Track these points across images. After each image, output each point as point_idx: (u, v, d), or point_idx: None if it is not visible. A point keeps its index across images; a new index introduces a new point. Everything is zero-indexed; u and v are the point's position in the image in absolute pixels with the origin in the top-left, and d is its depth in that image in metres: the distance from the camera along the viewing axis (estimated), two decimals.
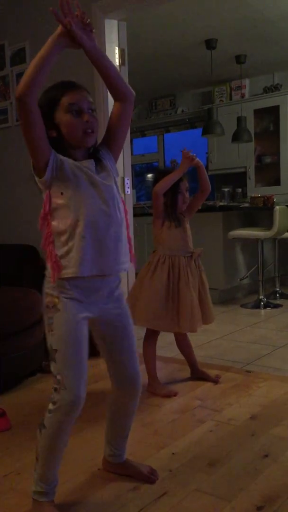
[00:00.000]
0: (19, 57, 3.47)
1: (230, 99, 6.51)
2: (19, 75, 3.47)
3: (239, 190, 6.52)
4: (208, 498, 1.57)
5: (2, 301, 2.64)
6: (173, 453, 1.87)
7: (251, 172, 6.38)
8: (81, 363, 1.45)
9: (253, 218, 5.20)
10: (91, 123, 1.43)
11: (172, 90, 7.10)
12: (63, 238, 1.42)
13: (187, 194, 2.50)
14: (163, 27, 4.76)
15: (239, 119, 5.91)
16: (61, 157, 1.42)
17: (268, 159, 6.31)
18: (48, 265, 1.45)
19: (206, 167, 6.33)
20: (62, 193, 1.42)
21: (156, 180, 2.46)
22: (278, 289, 5.01)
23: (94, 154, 1.50)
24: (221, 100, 6.56)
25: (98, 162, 1.49)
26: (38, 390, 2.60)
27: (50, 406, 1.45)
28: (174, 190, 2.44)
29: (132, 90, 1.50)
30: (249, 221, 5.12)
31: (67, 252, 1.42)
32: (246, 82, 6.37)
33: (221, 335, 3.58)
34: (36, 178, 1.44)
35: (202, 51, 5.31)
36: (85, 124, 1.42)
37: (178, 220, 2.50)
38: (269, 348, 3.22)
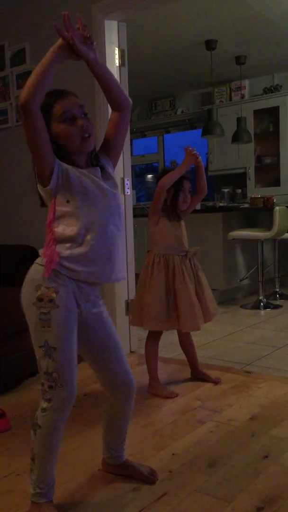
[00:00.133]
0: (19, 58, 3.47)
1: (230, 99, 6.51)
2: (19, 76, 3.47)
3: (239, 190, 6.53)
4: (208, 499, 1.57)
5: (2, 301, 2.64)
6: (173, 454, 1.86)
7: (251, 173, 6.38)
8: (75, 359, 1.46)
9: (253, 218, 5.20)
10: (86, 127, 1.43)
11: (172, 91, 7.10)
12: (68, 244, 1.42)
13: (189, 195, 2.52)
14: (163, 27, 4.76)
15: (239, 120, 5.92)
16: (65, 165, 1.42)
17: (268, 160, 6.31)
18: (44, 256, 1.42)
19: (206, 168, 6.34)
20: (68, 201, 1.42)
21: (160, 177, 2.47)
22: (278, 290, 5.01)
23: (96, 161, 1.50)
24: (221, 101, 6.56)
25: (102, 169, 1.49)
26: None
27: (44, 405, 1.46)
28: (177, 187, 2.46)
29: (129, 99, 1.52)
30: (249, 221, 5.12)
31: (71, 256, 1.41)
32: (246, 82, 6.37)
33: (221, 336, 3.58)
34: (40, 188, 1.44)
35: (202, 51, 5.31)
36: (80, 129, 1.42)
37: (178, 217, 2.51)
38: (269, 348, 3.22)
